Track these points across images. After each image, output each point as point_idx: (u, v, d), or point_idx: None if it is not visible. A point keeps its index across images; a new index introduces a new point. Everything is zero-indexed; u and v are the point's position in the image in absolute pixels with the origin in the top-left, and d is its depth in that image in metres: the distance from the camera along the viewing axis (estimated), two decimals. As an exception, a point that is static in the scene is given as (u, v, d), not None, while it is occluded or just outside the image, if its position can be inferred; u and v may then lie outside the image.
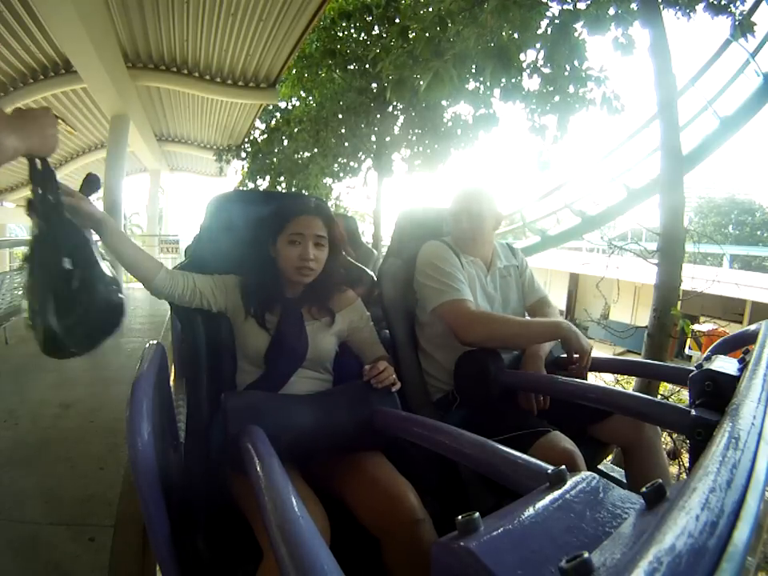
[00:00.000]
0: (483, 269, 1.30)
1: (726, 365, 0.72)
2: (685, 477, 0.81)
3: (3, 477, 1.64)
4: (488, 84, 4.35)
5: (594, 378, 1.55)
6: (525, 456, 0.59)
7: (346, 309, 1.10)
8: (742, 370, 0.68)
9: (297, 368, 1.00)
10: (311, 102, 6.91)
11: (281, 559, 0.44)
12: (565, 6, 2.76)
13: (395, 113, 6.22)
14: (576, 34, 2.84)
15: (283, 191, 7.03)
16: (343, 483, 0.88)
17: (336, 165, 6.73)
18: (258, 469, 0.63)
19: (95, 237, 0.86)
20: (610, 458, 1.60)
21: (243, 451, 0.71)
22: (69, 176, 9.25)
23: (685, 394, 2.40)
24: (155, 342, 1.02)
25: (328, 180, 7.19)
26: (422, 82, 2.66)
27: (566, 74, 3.05)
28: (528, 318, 1.34)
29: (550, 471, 0.45)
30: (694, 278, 2.96)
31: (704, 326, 5.75)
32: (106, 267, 0.81)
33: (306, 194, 6.24)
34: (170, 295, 0.99)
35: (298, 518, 0.48)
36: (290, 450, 0.78)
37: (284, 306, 1.03)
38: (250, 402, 0.86)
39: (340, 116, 6.26)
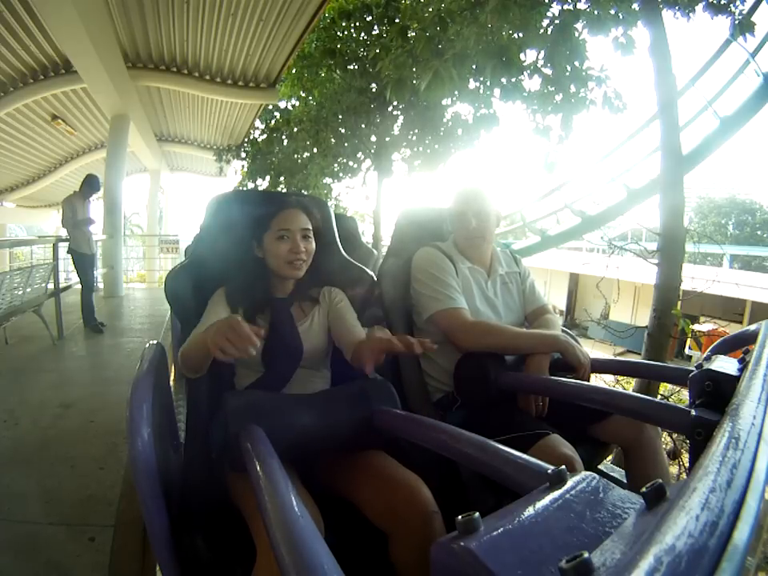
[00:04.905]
0: (483, 274, 1.31)
1: (726, 365, 0.72)
2: (685, 477, 0.81)
3: (3, 477, 1.64)
4: (488, 84, 4.35)
5: (595, 379, 1.55)
6: (525, 456, 0.59)
7: (328, 292, 1.11)
8: (742, 370, 0.68)
9: (295, 368, 1.00)
10: (311, 102, 6.92)
11: (281, 559, 0.44)
12: (565, 6, 2.76)
13: (395, 113, 6.22)
14: (576, 34, 2.84)
15: (283, 191, 7.04)
16: (351, 482, 0.88)
17: (336, 165, 6.73)
18: (258, 469, 0.63)
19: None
20: (610, 458, 1.60)
21: (243, 451, 0.71)
22: (69, 176, 9.27)
23: (685, 394, 2.40)
24: (155, 342, 1.02)
25: (328, 180, 7.19)
26: (422, 82, 2.66)
27: (567, 74, 3.04)
28: (527, 324, 1.34)
29: (550, 471, 0.45)
30: (694, 278, 2.97)
31: (704, 326, 5.75)
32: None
33: (306, 193, 6.26)
34: None
35: (298, 518, 0.48)
36: (290, 449, 0.78)
37: (274, 307, 1.03)
38: (250, 401, 0.85)
39: (340, 116, 6.26)
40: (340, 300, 1.09)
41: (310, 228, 1.05)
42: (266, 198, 1.24)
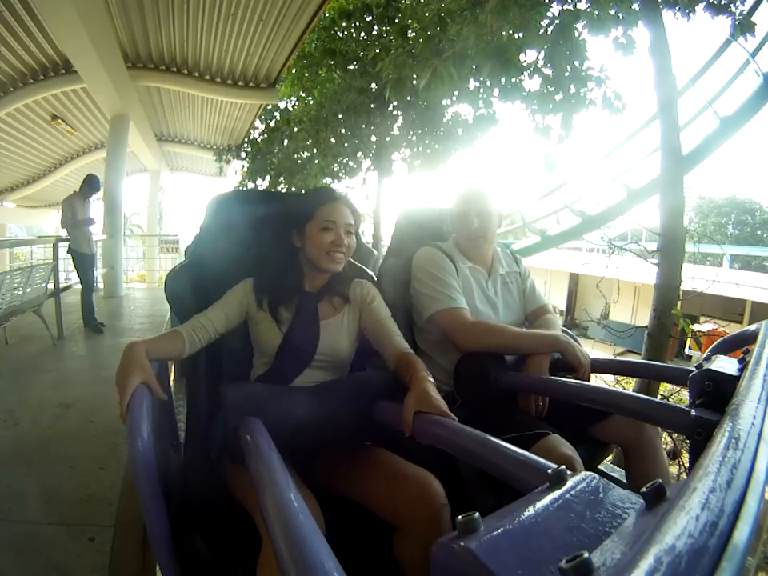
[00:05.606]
0: (484, 274, 1.31)
1: (726, 365, 0.71)
2: (685, 477, 0.81)
3: (3, 476, 1.64)
4: (488, 84, 4.35)
5: (595, 379, 1.55)
6: (526, 453, 0.59)
7: (358, 286, 1.08)
8: (742, 370, 0.68)
9: (304, 368, 0.98)
10: (311, 102, 6.92)
11: (279, 553, 0.44)
12: (565, 6, 2.76)
13: (395, 113, 6.22)
14: (577, 34, 2.83)
15: (283, 191, 7.04)
16: (355, 480, 0.88)
17: (336, 165, 6.74)
18: (258, 462, 0.63)
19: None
20: (610, 458, 1.60)
21: (243, 443, 0.72)
22: (69, 176, 9.26)
23: (685, 394, 2.40)
24: (155, 342, 1.02)
25: (328, 180, 7.20)
26: (421, 81, 2.66)
27: (567, 74, 3.04)
28: (527, 324, 1.34)
29: (550, 471, 0.45)
30: (694, 278, 2.97)
31: (704, 326, 5.76)
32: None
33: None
34: (203, 347, 0.98)
35: (297, 513, 0.48)
36: (289, 442, 0.78)
37: (301, 300, 1.01)
38: (250, 393, 0.85)
39: (340, 116, 6.26)
40: (372, 299, 1.06)
41: (353, 224, 1.03)
42: (267, 197, 1.24)
